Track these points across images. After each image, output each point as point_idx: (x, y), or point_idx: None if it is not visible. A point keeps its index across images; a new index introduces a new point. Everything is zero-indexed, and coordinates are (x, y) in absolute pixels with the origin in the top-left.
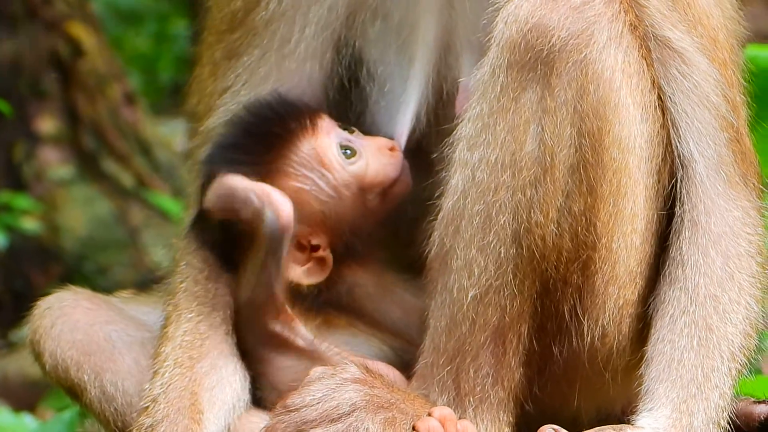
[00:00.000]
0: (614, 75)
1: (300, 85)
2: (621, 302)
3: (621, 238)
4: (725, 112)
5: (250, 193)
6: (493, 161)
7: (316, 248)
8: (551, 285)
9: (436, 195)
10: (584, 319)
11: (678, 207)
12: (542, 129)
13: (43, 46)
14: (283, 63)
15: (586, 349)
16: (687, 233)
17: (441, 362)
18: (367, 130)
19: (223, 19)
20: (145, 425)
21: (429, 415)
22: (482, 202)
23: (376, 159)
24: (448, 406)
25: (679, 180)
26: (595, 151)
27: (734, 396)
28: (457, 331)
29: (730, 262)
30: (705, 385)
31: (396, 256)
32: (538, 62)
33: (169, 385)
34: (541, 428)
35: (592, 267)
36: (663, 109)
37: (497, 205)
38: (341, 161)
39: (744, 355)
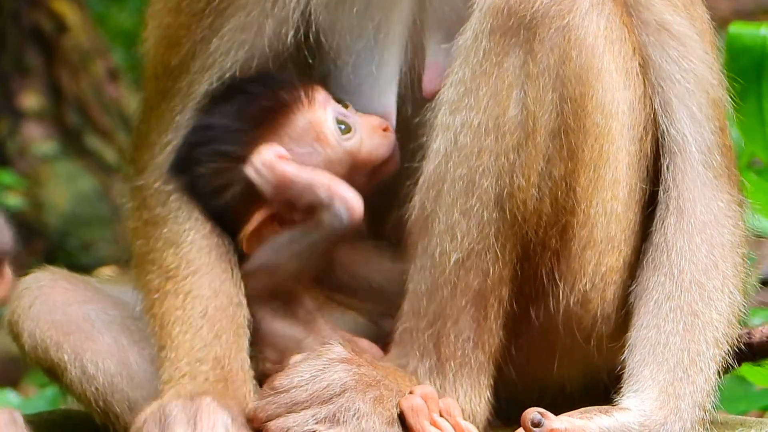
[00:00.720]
0: (597, 41)
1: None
2: (603, 269)
3: (600, 204)
4: (718, 99)
5: (317, 186)
6: (475, 125)
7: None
8: (531, 249)
9: (417, 159)
10: (560, 283)
11: (662, 193)
12: (525, 94)
13: (27, 22)
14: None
15: (562, 312)
16: (673, 219)
17: (421, 327)
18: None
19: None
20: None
21: (411, 393)
22: (465, 166)
23: (370, 137)
24: (429, 371)
25: (665, 165)
26: (578, 117)
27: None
28: (438, 295)
29: (714, 251)
30: (691, 368)
31: (372, 222)
32: (521, 28)
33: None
34: (526, 411)
35: (570, 232)
36: (644, 76)
37: (480, 169)
38: (337, 136)
39: (728, 342)
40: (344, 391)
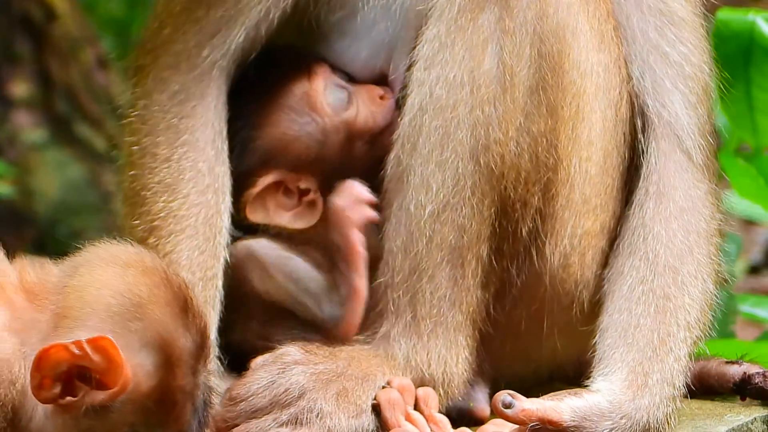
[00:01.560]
0: (572, 0)
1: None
2: (580, 231)
3: (578, 163)
4: (707, 85)
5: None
6: (450, 79)
7: (305, 192)
8: (510, 206)
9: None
10: (544, 243)
11: (643, 176)
12: (501, 48)
13: (16, 11)
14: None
15: (549, 274)
16: (651, 203)
17: (396, 282)
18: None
19: None
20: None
21: (389, 383)
22: (440, 118)
23: (367, 106)
24: (403, 330)
25: (650, 147)
26: (555, 74)
27: (705, 357)
28: (414, 249)
29: (690, 237)
30: (660, 348)
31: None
32: None
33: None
34: (497, 393)
35: (553, 190)
36: (619, 43)
37: (455, 121)
38: (334, 106)
39: (699, 328)
40: (303, 393)
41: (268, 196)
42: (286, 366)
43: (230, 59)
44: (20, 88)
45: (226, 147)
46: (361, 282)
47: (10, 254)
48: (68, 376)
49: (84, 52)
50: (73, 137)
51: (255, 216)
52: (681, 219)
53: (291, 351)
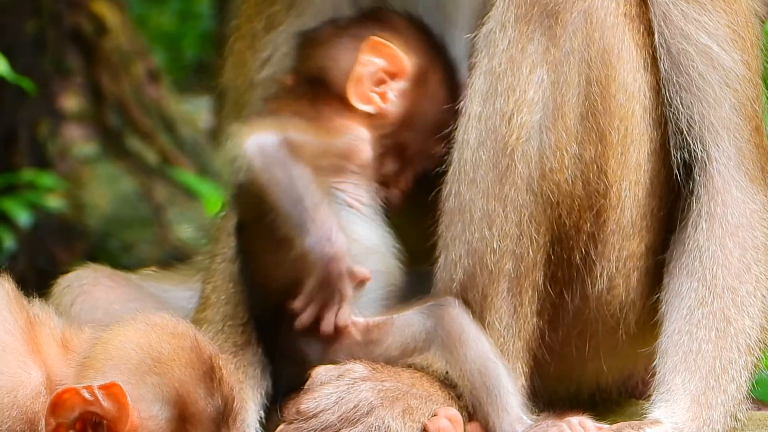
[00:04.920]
0: (617, 20)
1: None
2: (625, 253)
3: (628, 187)
4: (755, 97)
5: None
6: (505, 111)
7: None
8: (564, 232)
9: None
10: (596, 267)
11: (694, 201)
12: (550, 78)
13: (67, 24)
14: None
15: (596, 297)
16: (704, 224)
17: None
18: None
19: None
20: None
21: (436, 415)
22: (497, 151)
23: None
24: None
25: (696, 172)
26: (603, 98)
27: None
28: (479, 282)
29: (747, 254)
30: (722, 377)
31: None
32: (543, 15)
33: None
34: (568, 418)
35: (604, 215)
36: (668, 63)
37: (512, 153)
38: None
39: (759, 349)
40: (372, 410)
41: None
42: (354, 381)
43: None
44: (71, 102)
45: None
46: None
47: (61, 268)
48: (82, 424)
49: (135, 66)
50: (124, 151)
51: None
52: (736, 236)
53: (357, 367)
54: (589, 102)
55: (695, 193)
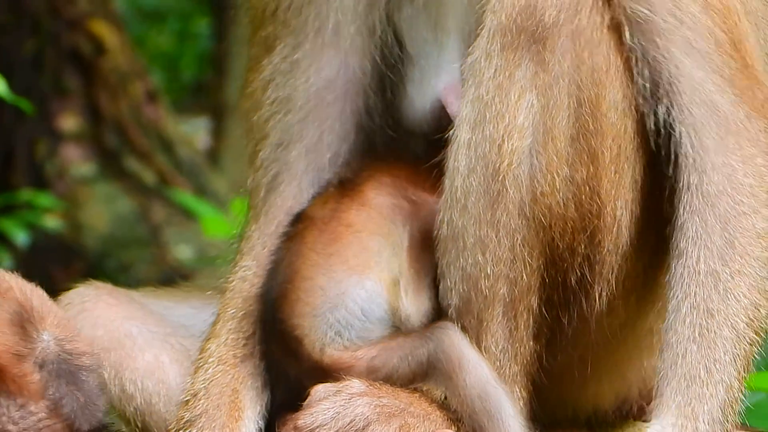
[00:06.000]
0: (603, 35)
1: (335, 69)
2: (624, 274)
3: (624, 206)
4: (724, 44)
5: None
6: (494, 137)
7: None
8: (558, 255)
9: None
10: (593, 289)
11: (682, 179)
12: (539, 102)
13: (65, 44)
14: (318, 50)
15: (592, 319)
16: (685, 198)
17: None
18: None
19: (256, 15)
20: (184, 419)
21: None
22: (488, 178)
23: None
24: None
25: (672, 144)
26: (595, 119)
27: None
28: (474, 307)
29: (729, 226)
30: (708, 381)
31: None
32: (530, 41)
33: (211, 381)
34: None
35: (599, 236)
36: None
37: (502, 179)
38: None
39: (753, 330)
40: (368, 425)
41: None
42: (351, 397)
43: None
44: (69, 122)
45: None
46: None
47: (59, 288)
48: None
49: (133, 86)
50: (122, 171)
51: None
52: (717, 208)
53: (355, 383)
54: (579, 123)
55: (674, 166)
